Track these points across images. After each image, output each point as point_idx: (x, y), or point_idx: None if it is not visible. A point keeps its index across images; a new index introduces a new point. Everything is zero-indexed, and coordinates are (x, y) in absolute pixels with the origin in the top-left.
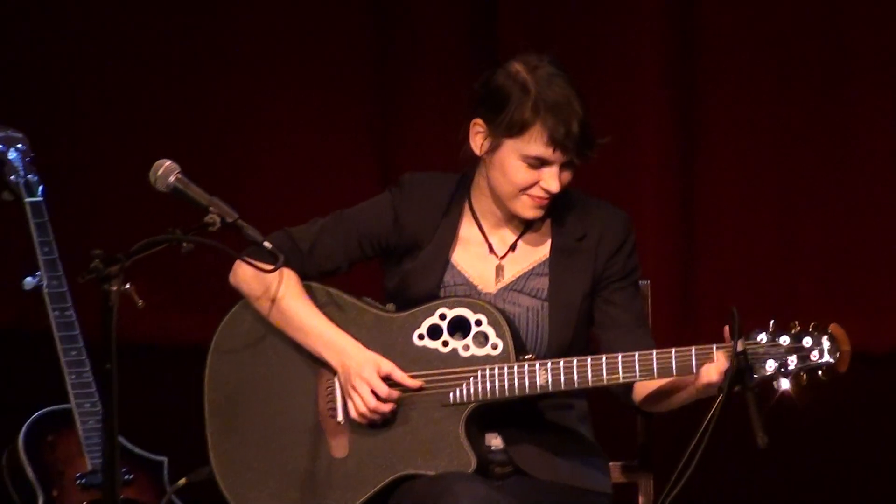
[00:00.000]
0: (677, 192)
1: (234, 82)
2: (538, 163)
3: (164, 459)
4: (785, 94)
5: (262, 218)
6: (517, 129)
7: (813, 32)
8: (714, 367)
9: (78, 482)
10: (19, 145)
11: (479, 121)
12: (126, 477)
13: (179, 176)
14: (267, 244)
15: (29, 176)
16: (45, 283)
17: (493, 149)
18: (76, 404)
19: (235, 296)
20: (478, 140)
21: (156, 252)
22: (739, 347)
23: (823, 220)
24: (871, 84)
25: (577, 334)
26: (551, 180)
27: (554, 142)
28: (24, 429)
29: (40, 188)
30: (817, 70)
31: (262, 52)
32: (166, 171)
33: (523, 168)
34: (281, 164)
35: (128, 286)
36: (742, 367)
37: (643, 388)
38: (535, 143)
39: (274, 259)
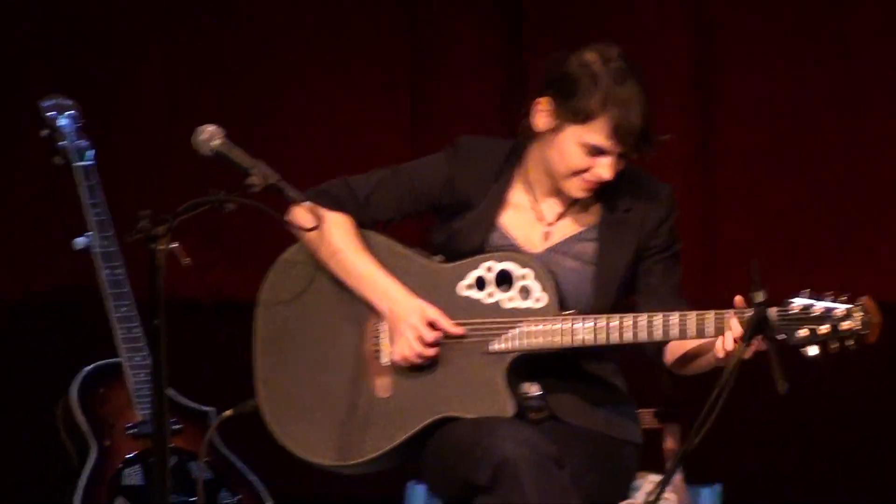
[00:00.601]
0: (697, 154)
1: (274, 46)
2: (596, 151)
3: (212, 409)
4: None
5: (301, 177)
6: (582, 117)
7: (832, 3)
8: (728, 337)
9: (129, 432)
10: (70, 112)
11: (544, 101)
12: (175, 427)
13: (223, 140)
14: (307, 204)
15: (79, 141)
16: (96, 243)
17: (555, 130)
18: (127, 358)
19: (276, 253)
20: (541, 118)
21: (201, 212)
22: (760, 298)
23: (842, 183)
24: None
25: (618, 300)
26: (605, 169)
27: (616, 135)
28: (76, 382)
29: (90, 153)
30: (835, 41)
31: (301, 18)
32: (210, 135)
33: (580, 154)
34: (318, 126)
35: (174, 245)
36: (762, 317)
37: (673, 351)
38: (597, 134)
39: (316, 216)
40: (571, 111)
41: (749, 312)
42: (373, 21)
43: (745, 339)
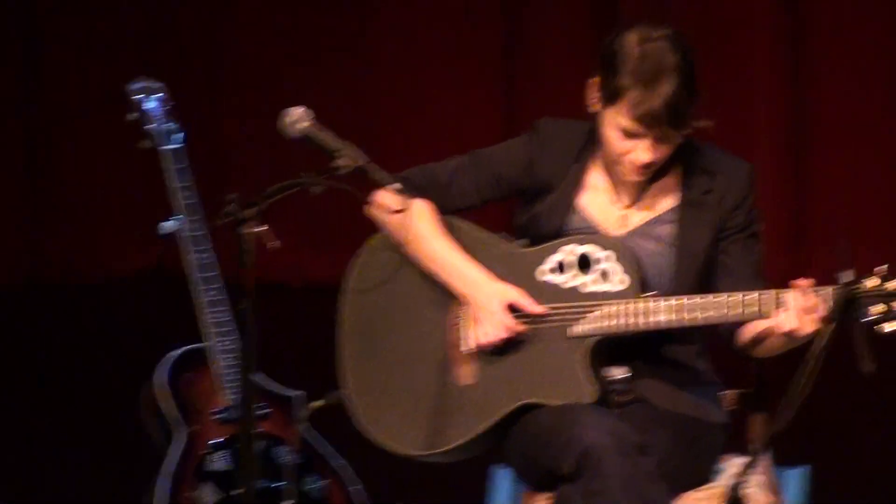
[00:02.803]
0: (788, 132)
1: (362, 28)
2: (629, 134)
3: (300, 393)
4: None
5: (389, 161)
6: (613, 98)
7: None
8: (791, 315)
9: (215, 417)
10: (158, 95)
11: (594, 81)
12: (262, 412)
13: (312, 122)
14: (395, 186)
15: (168, 124)
16: (186, 226)
17: (601, 111)
18: (214, 342)
19: (363, 236)
20: (592, 98)
21: (289, 195)
22: (849, 277)
23: None
24: None
25: (701, 283)
26: (643, 153)
27: (637, 116)
28: (164, 367)
29: (179, 135)
30: None
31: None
32: (298, 118)
33: (618, 136)
34: (407, 108)
35: (262, 228)
36: (849, 299)
37: (745, 332)
38: (623, 116)
39: (404, 199)
40: (606, 91)
41: (822, 290)
42: (467, 13)
43: (833, 319)
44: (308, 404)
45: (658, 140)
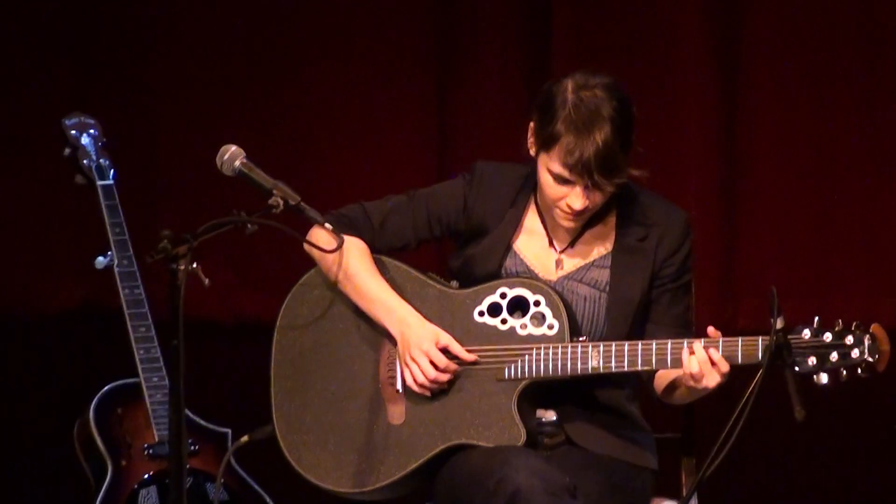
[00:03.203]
0: (719, 177)
1: (298, 66)
2: (562, 180)
3: (229, 431)
4: (826, 76)
5: (325, 196)
6: (547, 144)
7: (855, 5)
8: (692, 361)
9: (145, 452)
10: (92, 131)
11: (532, 125)
12: (192, 448)
13: (244, 160)
14: (327, 226)
15: (101, 160)
16: (115, 262)
17: (536, 155)
18: (144, 378)
19: (297, 275)
20: (529, 142)
21: (221, 233)
22: (778, 325)
23: (863, 207)
24: None
25: (633, 329)
26: (575, 199)
27: (568, 164)
28: (94, 402)
29: (112, 172)
30: (860, 51)
31: (326, 38)
32: (232, 155)
33: (551, 182)
34: (341, 146)
35: (195, 266)
36: (780, 345)
37: (660, 380)
38: (555, 162)
39: (336, 238)
40: (541, 137)
41: (747, 342)
42: (400, 37)
43: (764, 366)
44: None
45: (590, 188)
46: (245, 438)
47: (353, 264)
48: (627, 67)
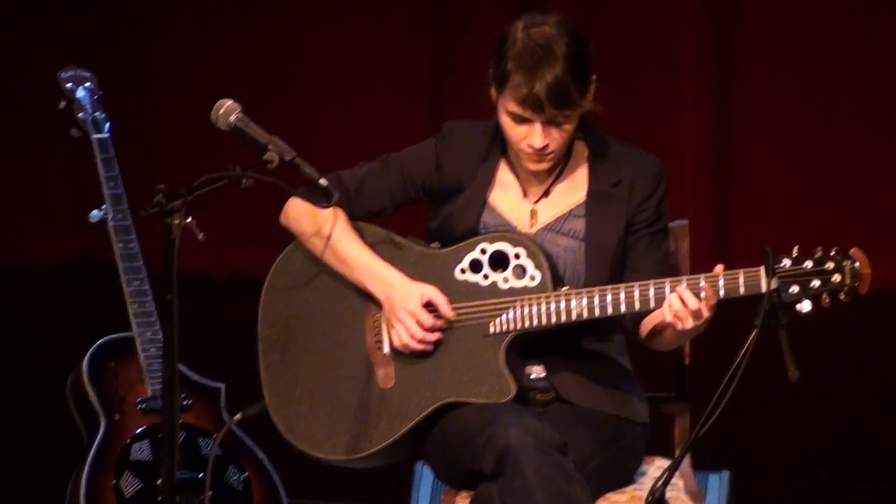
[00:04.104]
0: (714, 135)
1: (295, 27)
2: (519, 119)
3: (222, 386)
4: (819, 44)
5: (317, 161)
6: (501, 84)
7: None
8: (674, 300)
9: (138, 407)
10: (88, 84)
11: (490, 72)
12: (185, 402)
13: (240, 115)
14: (323, 181)
15: (96, 114)
16: (110, 216)
17: (496, 100)
18: (138, 332)
19: (290, 231)
20: (489, 87)
21: (216, 188)
22: (774, 285)
23: (855, 164)
24: None
25: (613, 275)
26: (534, 136)
27: (519, 99)
28: (87, 356)
29: (107, 125)
30: (850, 23)
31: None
32: (227, 110)
33: (510, 122)
34: (337, 109)
35: (189, 220)
36: (776, 304)
37: (646, 324)
38: (509, 100)
39: (328, 197)
40: (496, 78)
41: (729, 276)
42: (396, 4)
43: (759, 325)
44: (231, 413)
45: (547, 124)
46: (238, 416)
47: (332, 232)
48: (625, 26)
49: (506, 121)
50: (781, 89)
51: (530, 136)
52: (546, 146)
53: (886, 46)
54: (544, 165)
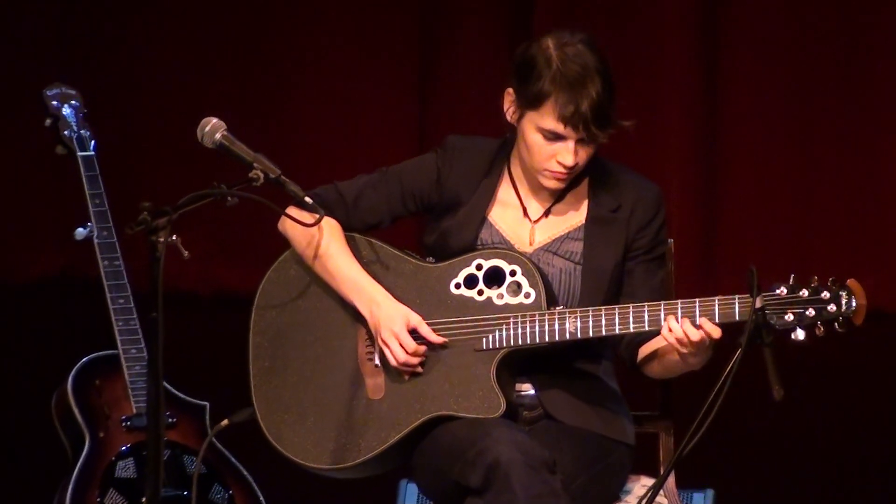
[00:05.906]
0: (699, 154)
1: (280, 42)
2: (553, 136)
3: (206, 404)
4: (806, 58)
5: (304, 175)
6: (536, 102)
7: None
8: (672, 322)
9: (123, 424)
10: (73, 102)
11: (510, 90)
12: (170, 420)
13: (225, 133)
14: (307, 199)
15: (82, 131)
16: (95, 233)
17: (519, 119)
18: (123, 350)
19: (276, 248)
20: (509, 109)
21: (202, 206)
22: (758, 304)
23: (841, 181)
24: (893, 41)
25: (609, 300)
26: (566, 155)
27: (563, 118)
28: (72, 373)
29: (92, 143)
30: (838, 37)
31: (309, 14)
32: (213, 128)
33: (541, 140)
34: (323, 123)
35: (174, 238)
36: (760, 324)
37: (642, 350)
38: (548, 117)
39: (315, 212)
40: (526, 96)
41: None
42: (383, 17)
43: (743, 343)
44: (217, 424)
45: (582, 142)
46: (225, 422)
47: (324, 244)
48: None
49: (535, 139)
50: (768, 106)
51: (561, 154)
52: (575, 164)
53: (876, 67)
54: (563, 183)
